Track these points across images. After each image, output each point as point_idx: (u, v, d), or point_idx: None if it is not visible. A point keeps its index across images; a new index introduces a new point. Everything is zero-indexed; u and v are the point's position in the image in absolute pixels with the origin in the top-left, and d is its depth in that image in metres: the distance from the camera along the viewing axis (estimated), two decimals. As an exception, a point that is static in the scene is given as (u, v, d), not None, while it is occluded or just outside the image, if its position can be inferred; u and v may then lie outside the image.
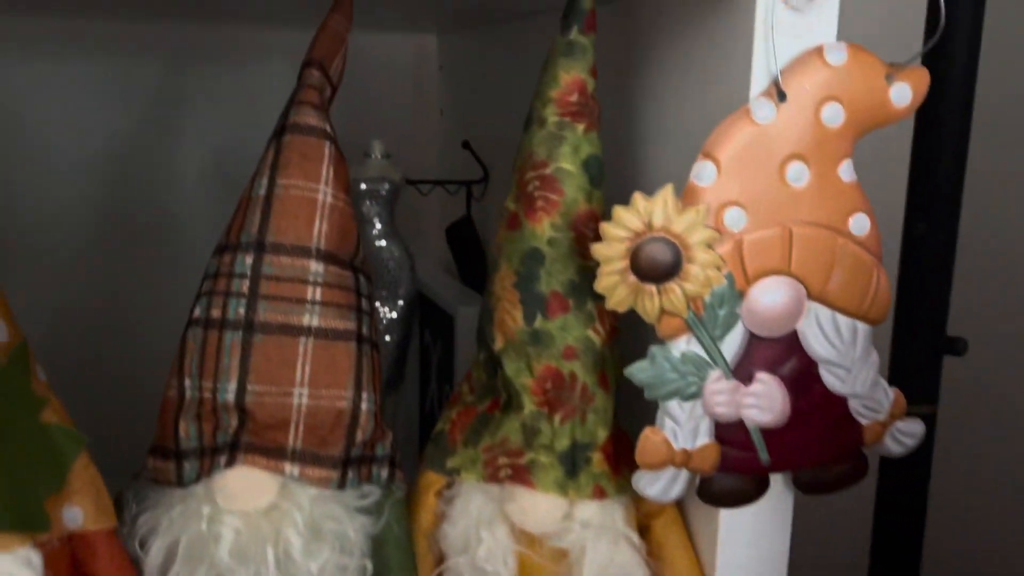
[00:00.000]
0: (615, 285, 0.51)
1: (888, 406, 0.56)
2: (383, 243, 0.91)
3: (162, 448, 0.54)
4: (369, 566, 0.54)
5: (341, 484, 0.54)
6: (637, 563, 0.56)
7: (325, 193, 0.55)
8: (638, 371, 0.52)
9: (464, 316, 0.85)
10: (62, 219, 0.98)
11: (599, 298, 0.56)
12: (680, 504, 0.60)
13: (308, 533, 0.51)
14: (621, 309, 0.52)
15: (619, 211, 0.50)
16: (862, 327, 0.54)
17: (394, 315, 0.92)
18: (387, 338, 0.92)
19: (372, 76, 1.05)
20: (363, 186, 0.89)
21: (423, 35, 1.07)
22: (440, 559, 0.58)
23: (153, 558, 0.51)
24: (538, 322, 0.56)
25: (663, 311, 0.52)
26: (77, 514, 0.49)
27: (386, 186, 0.89)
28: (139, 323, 1.03)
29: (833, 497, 0.58)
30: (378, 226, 0.90)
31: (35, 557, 0.45)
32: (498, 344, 0.57)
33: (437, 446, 0.59)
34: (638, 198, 0.50)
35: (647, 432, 0.53)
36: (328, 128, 0.56)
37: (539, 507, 0.55)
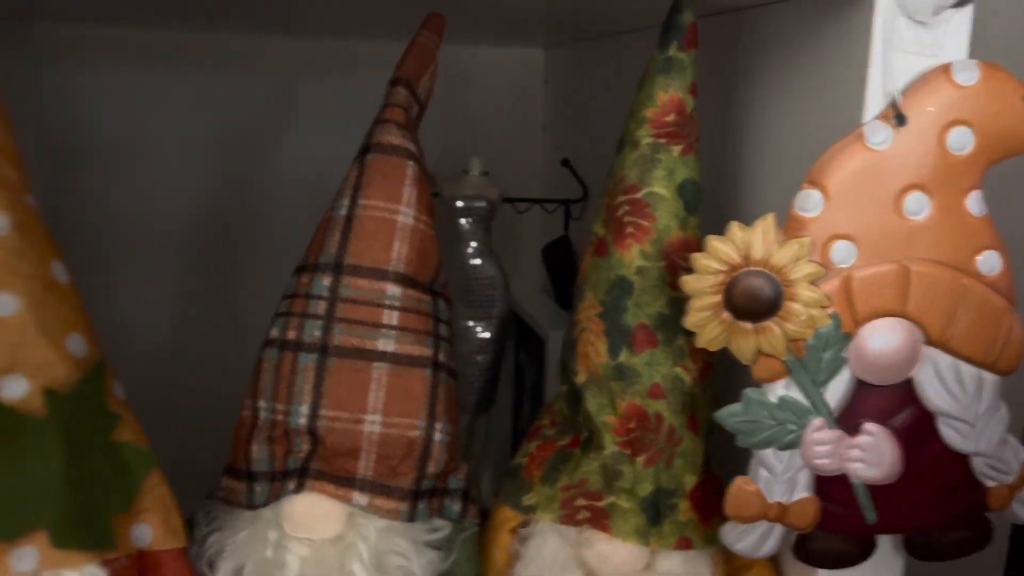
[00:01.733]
0: (706, 322, 0.47)
1: (1018, 467, 0.50)
2: (478, 261, 0.89)
3: (235, 469, 0.54)
4: (436, 609, 0.52)
5: (410, 517, 0.52)
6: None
7: (406, 215, 0.53)
8: (730, 416, 0.48)
9: (556, 340, 0.82)
10: (167, 228, 1.01)
11: (691, 333, 0.52)
12: (774, 560, 0.55)
13: (373, 567, 0.50)
14: (712, 348, 0.48)
15: (714, 242, 0.47)
16: (989, 378, 0.48)
17: (487, 335, 0.90)
18: (478, 358, 0.91)
19: (475, 90, 1.04)
20: (460, 204, 0.87)
21: (529, 49, 1.05)
22: (513, 598, 0.55)
23: (220, 580, 0.50)
24: (623, 356, 0.52)
25: (759, 352, 0.47)
26: (146, 532, 0.48)
27: (483, 204, 0.88)
28: (246, 333, 1.05)
29: (951, 565, 0.52)
30: (474, 244, 0.88)
31: (101, 575, 0.45)
32: (580, 377, 0.54)
33: (514, 481, 0.57)
34: (735, 228, 0.46)
35: (738, 482, 0.49)
36: (412, 148, 0.54)
37: (618, 555, 0.51)
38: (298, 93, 1.02)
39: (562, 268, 0.92)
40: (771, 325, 0.47)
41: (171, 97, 0.97)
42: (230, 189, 1.03)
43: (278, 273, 1.04)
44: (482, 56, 1.03)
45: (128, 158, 0.97)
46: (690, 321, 0.47)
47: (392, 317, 0.52)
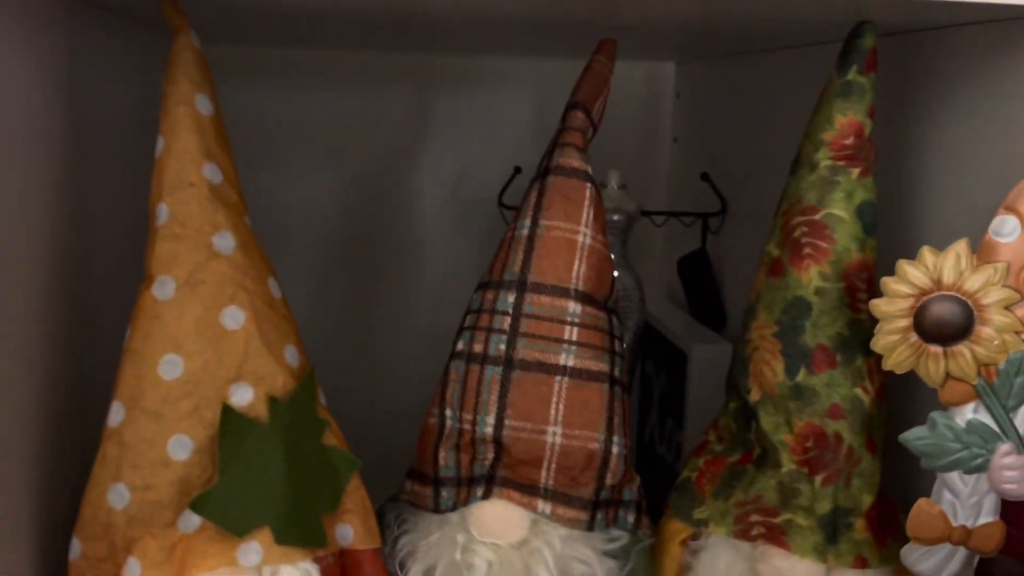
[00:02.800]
0: (895, 345, 0.48)
1: None
2: (615, 274, 0.90)
3: (421, 474, 0.56)
4: (617, 614, 0.54)
5: (590, 526, 0.54)
6: (899, 643, 0.52)
7: (585, 235, 0.55)
8: (915, 439, 0.48)
9: (699, 354, 0.83)
10: (310, 240, 1.05)
11: (869, 354, 0.53)
12: None
13: (558, 572, 0.52)
14: (900, 371, 0.48)
15: (904, 266, 0.47)
16: None
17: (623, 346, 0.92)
18: (614, 369, 0.92)
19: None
20: (599, 217, 0.89)
21: (660, 63, 1.06)
22: (685, 610, 0.56)
23: (412, 581, 0.53)
24: (801, 376, 0.53)
25: (948, 376, 0.48)
26: (348, 532, 0.52)
27: (621, 217, 0.89)
28: (380, 341, 1.09)
29: None
30: (611, 257, 0.90)
31: (314, 570, 0.48)
32: (754, 396, 0.55)
33: (683, 495, 0.58)
34: (926, 253, 0.47)
35: (922, 504, 0.49)
36: (589, 170, 0.56)
37: (795, 571, 0.52)
38: (434, 108, 1.05)
39: (698, 281, 0.93)
40: (962, 349, 0.47)
41: (312, 111, 1.02)
42: (367, 201, 1.07)
43: (412, 281, 1.08)
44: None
45: (270, 168, 1.01)
46: (879, 344, 0.48)
47: (572, 333, 0.54)
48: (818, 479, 0.53)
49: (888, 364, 0.48)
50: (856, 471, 0.53)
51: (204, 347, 0.47)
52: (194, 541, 0.47)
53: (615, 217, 0.89)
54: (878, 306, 0.48)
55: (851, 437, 0.52)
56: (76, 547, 0.47)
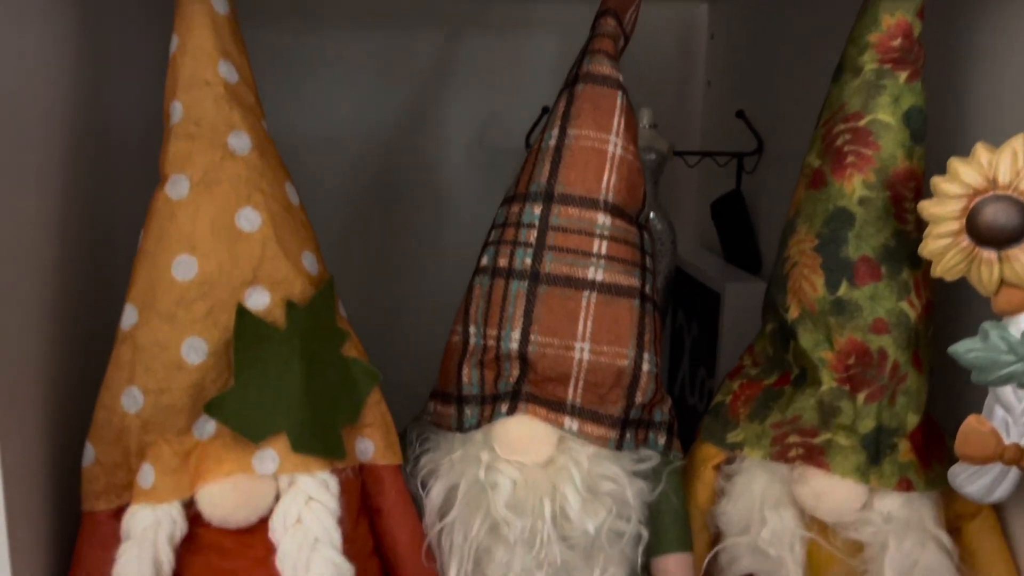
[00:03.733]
0: (945, 249, 0.45)
1: None
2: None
3: (444, 393, 0.55)
4: (645, 534, 0.51)
5: (618, 445, 0.52)
6: (946, 568, 0.49)
7: (615, 144, 0.53)
8: (966, 351, 0.45)
9: (733, 293, 0.81)
10: (339, 185, 1.04)
11: (916, 267, 0.50)
12: (999, 508, 0.52)
13: (586, 491, 0.50)
14: (950, 277, 0.45)
15: (956, 164, 0.44)
16: None
17: (653, 290, 0.89)
18: (645, 313, 0.89)
19: (638, 45, 1.02)
20: (629, 155, 0.86)
21: (693, 4, 1.03)
22: (716, 538, 0.54)
23: (434, 499, 0.51)
24: (843, 290, 0.50)
25: (1002, 282, 0.45)
26: (368, 447, 0.50)
27: (652, 156, 0.86)
28: (406, 286, 1.07)
29: None
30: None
31: (332, 482, 0.46)
32: (792, 313, 0.53)
33: (717, 418, 0.56)
34: (981, 150, 0.44)
35: (972, 421, 0.46)
36: (621, 78, 0.54)
37: (835, 493, 0.50)
38: (461, 52, 1.03)
39: (733, 223, 0.90)
40: (1017, 254, 0.44)
41: (337, 55, 1.00)
42: (393, 146, 1.05)
43: (438, 227, 1.06)
44: (646, 10, 1.02)
45: (294, 110, 0.99)
46: (927, 249, 0.45)
47: (602, 246, 0.52)
48: (860, 397, 0.50)
49: (937, 271, 0.45)
50: (901, 388, 0.50)
51: (219, 248, 0.45)
52: (209, 448, 0.45)
53: (647, 157, 0.87)
54: (927, 207, 0.45)
55: (896, 353, 0.50)
56: (90, 452, 0.46)
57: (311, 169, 1.00)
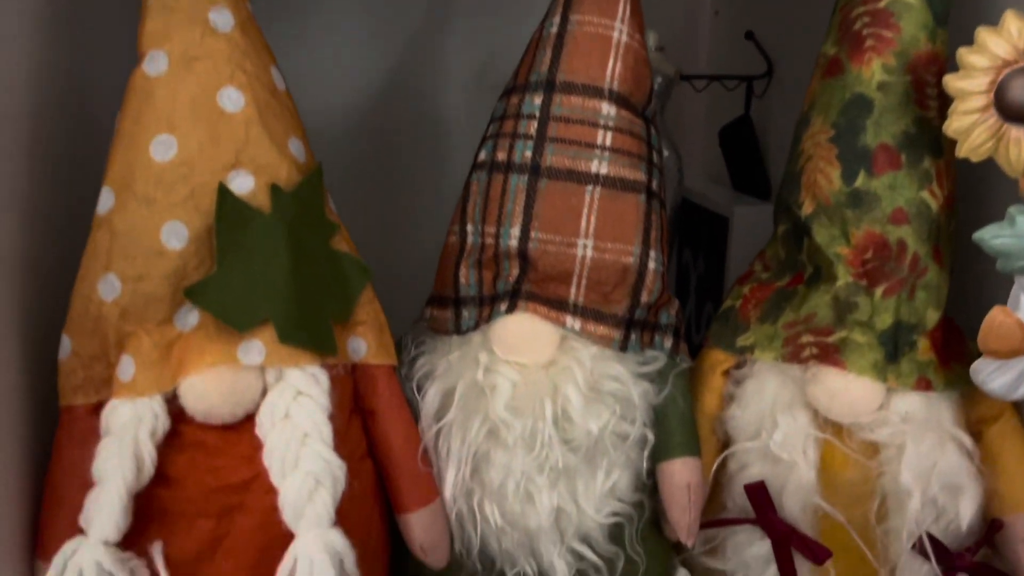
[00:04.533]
0: (972, 126, 0.42)
1: None
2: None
3: (440, 297, 0.52)
4: (650, 437, 0.49)
5: (623, 346, 0.49)
6: (966, 471, 0.47)
7: (620, 31, 0.50)
8: (992, 237, 0.43)
9: (742, 216, 0.78)
10: (335, 128, 1.01)
11: (938, 155, 0.48)
12: (1022, 411, 0.50)
13: (588, 391, 0.47)
14: (976, 157, 0.43)
15: (984, 34, 0.41)
16: None
17: (659, 221, 0.86)
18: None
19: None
20: (635, 79, 0.83)
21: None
22: (725, 445, 0.52)
23: (430, 402, 0.49)
24: (860, 180, 0.48)
25: (1032, 161, 0.42)
26: (361, 346, 0.48)
27: (659, 80, 0.83)
28: (403, 232, 1.05)
29: None
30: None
31: (322, 377, 0.44)
32: (806, 209, 0.50)
33: (726, 323, 0.53)
34: (1011, 18, 0.41)
35: (996, 313, 0.44)
36: (625, -39, 0.51)
37: (851, 392, 0.47)
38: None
39: (741, 150, 0.87)
40: (1049, 130, 0.41)
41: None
42: (390, 86, 1.02)
43: (436, 171, 1.03)
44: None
45: (288, 49, 0.96)
46: (952, 127, 0.43)
47: (606, 138, 0.49)
48: (878, 291, 0.47)
49: (962, 150, 0.43)
50: (921, 282, 0.47)
51: (200, 128, 0.43)
52: (192, 339, 0.43)
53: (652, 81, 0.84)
54: (952, 82, 0.42)
55: (916, 244, 0.47)
56: (66, 344, 0.44)
57: (305, 112, 0.98)
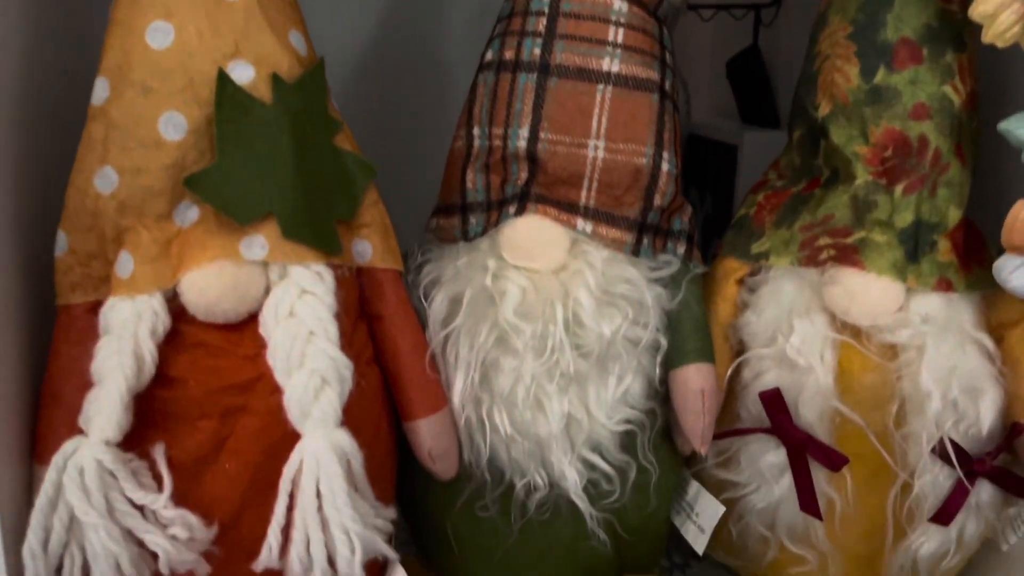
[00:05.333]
0: (998, 10, 0.41)
1: None
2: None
3: (446, 206, 0.51)
4: (663, 342, 0.48)
5: (635, 250, 0.48)
6: (987, 373, 0.46)
7: (632, -76, 0.48)
8: (1016, 126, 0.42)
9: (751, 144, 0.76)
10: (336, 64, 0.98)
11: (961, 49, 0.46)
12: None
13: (600, 294, 0.46)
14: (1002, 43, 0.41)
15: (1013, -90, 0.40)
16: None
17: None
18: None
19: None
20: (640, 8, 0.81)
21: None
22: (739, 352, 0.50)
23: (437, 309, 0.48)
24: (880, 76, 0.46)
25: (1061, 45, 0.40)
26: (366, 248, 0.46)
27: (663, 8, 0.81)
28: (412, 160, 1.02)
29: None
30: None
31: (327, 275, 0.43)
32: (823, 110, 0.48)
33: (739, 231, 0.52)
34: None
35: (1020, 208, 0.42)
36: None
37: (870, 292, 0.46)
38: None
39: (750, 82, 0.85)
40: (1079, 11, 0.40)
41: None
42: (394, 15, 1.00)
43: (443, 102, 1.01)
44: None
45: None
46: (977, 10, 0.41)
47: (618, 35, 0.47)
48: (898, 189, 0.46)
49: (988, 35, 0.41)
50: (943, 179, 0.46)
51: (198, 15, 0.41)
52: (192, 234, 0.42)
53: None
54: (980, -37, 0.41)
55: (938, 140, 0.46)
56: (62, 241, 0.42)
57: (319, 41, 0.95)
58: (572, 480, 0.47)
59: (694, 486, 0.52)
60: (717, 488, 0.51)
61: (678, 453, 0.52)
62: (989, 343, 0.46)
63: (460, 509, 0.51)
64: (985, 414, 0.45)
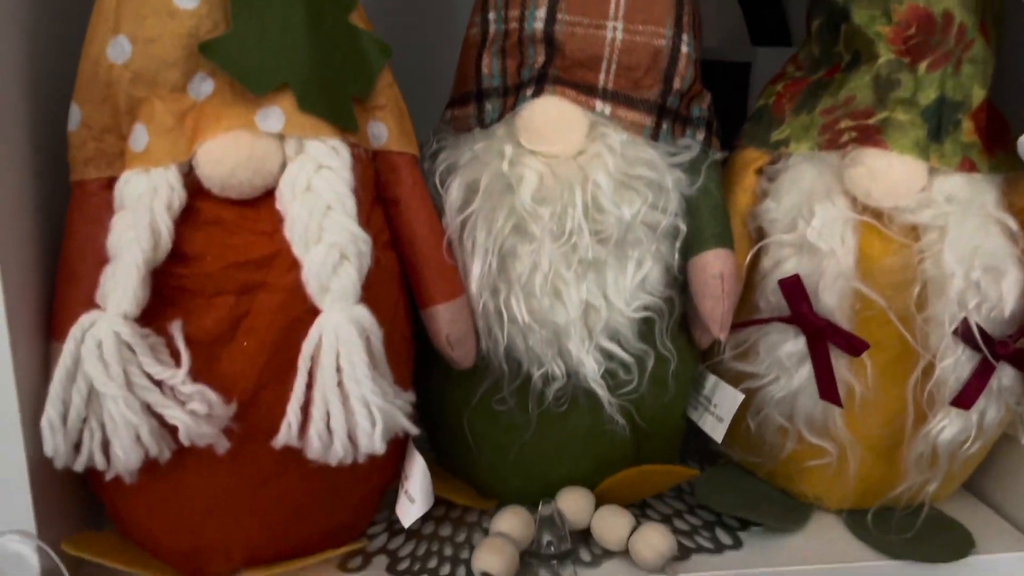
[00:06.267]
0: None
1: None
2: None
3: (461, 95, 0.50)
4: (683, 227, 0.47)
5: (654, 134, 0.47)
6: (1010, 254, 0.45)
7: None
8: None
9: (765, 60, 0.75)
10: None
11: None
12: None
13: (619, 175, 0.46)
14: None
15: None
16: None
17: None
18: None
19: None
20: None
21: None
22: (759, 241, 0.50)
23: (453, 196, 0.47)
24: (904, -47, 0.45)
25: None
26: (382, 131, 0.46)
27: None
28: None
29: None
30: None
31: (344, 150, 0.42)
32: (845, -7, 0.48)
33: (758, 122, 0.51)
34: None
35: (1047, 79, 0.42)
36: None
37: (893, 171, 0.45)
38: None
39: (761, 2, 0.84)
40: None
41: None
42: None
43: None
44: None
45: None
46: None
47: (636, -86, 0.46)
48: (922, 66, 0.45)
49: (1018, -102, 0.40)
50: (967, 56, 0.45)
51: None
52: (207, 107, 0.41)
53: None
54: None
55: (963, 15, 0.45)
56: (75, 114, 0.42)
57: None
58: (590, 368, 0.47)
59: (712, 379, 0.52)
60: (735, 381, 0.51)
61: (696, 346, 0.52)
62: (1012, 223, 0.46)
63: (477, 405, 0.50)
64: (1007, 295, 0.45)
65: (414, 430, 0.43)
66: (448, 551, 0.50)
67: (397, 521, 0.52)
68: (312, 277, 0.40)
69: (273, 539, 0.46)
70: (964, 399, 0.46)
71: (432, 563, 0.48)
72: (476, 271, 0.47)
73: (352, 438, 0.41)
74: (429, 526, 0.52)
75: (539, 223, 0.45)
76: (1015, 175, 0.47)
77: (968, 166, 0.46)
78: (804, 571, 0.49)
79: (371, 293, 0.42)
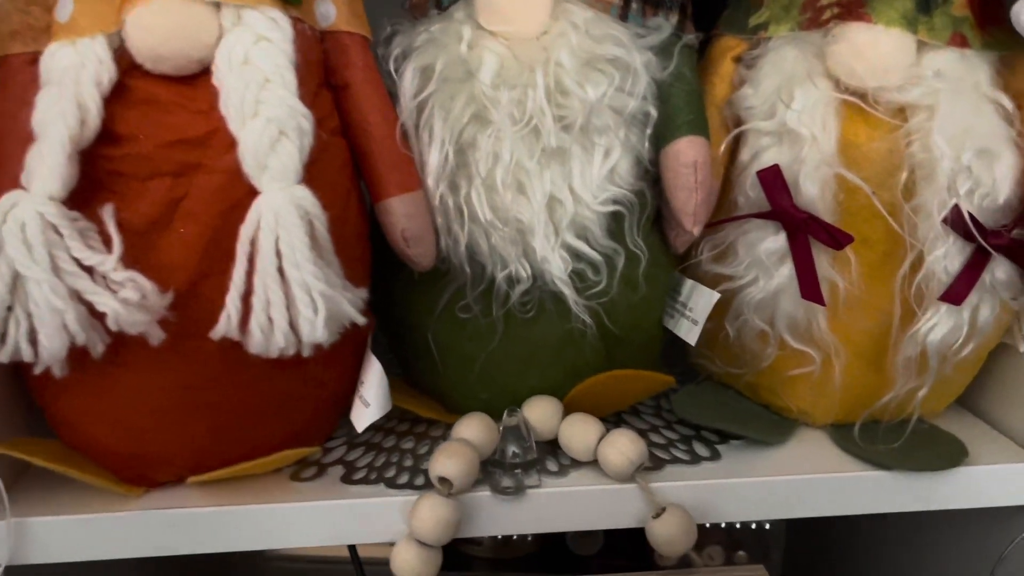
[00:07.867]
0: None
1: None
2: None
3: (416, -5, 0.47)
4: (653, 112, 0.44)
5: (623, 14, 0.44)
6: (1005, 136, 0.42)
7: None
8: None
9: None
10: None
11: None
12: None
13: (584, 54, 0.43)
14: None
15: None
16: None
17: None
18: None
19: None
20: None
21: None
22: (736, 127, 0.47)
23: (407, 83, 0.44)
24: None
25: None
26: (330, 10, 0.43)
27: None
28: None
29: None
30: None
31: (285, 23, 0.39)
32: None
33: (736, 8, 0.48)
34: None
35: (1043, -61, 0.39)
36: None
37: (878, 46, 0.42)
38: None
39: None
40: None
41: None
42: None
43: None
44: None
45: None
46: None
47: None
48: (910, -71, 0.42)
49: None
50: (958, -81, 0.42)
51: None
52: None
53: None
54: None
55: None
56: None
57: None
58: (556, 267, 0.44)
59: (688, 284, 0.49)
60: (712, 284, 0.48)
61: (672, 250, 0.49)
62: (1008, 103, 0.42)
63: (442, 314, 0.48)
64: (1001, 180, 0.42)
65: (361, 319, 0.40)
66: (408, 462, 0.47)
67: (357, 436, 0.50)
68: (248, 154, 0.38)
69: (220, 445, 0.44)
70: (954, 294, 0.43)
71: (390, 473, 0.46)
72: (433, 162, 0.44)
73: (294, 327, 0.39)
74: (391, 439, 0.50)
75: (499, 109, 0.43)
76: (1011, 55, 0.43)
77: (959, 41, 0.42)
78: (785, 481, 0.46)
79: (316, 176, 0.39)
